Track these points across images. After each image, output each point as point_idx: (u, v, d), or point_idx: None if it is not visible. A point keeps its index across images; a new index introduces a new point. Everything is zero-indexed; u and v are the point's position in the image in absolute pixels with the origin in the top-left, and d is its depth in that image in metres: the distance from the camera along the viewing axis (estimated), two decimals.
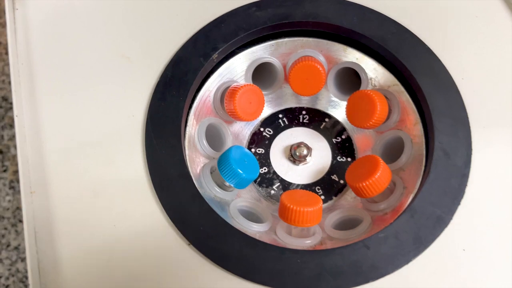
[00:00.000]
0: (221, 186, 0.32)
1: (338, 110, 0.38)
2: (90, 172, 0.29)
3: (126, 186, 0.29)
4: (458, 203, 0.28)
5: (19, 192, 0.69)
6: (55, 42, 0.34)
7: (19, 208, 0.67)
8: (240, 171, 0.31)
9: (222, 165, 0.31)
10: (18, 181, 0.69)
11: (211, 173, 0.32)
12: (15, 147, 0.71)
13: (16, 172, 0.71)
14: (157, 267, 0.27)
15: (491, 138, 0.30)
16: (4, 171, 0.69)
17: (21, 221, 0.66)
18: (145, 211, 0.28)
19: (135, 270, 0.27)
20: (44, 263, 0.27)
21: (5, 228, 0.65)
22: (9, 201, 0.67)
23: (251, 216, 0.32)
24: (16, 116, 0.30)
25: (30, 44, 0.34)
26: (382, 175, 0.30)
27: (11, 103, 0.55)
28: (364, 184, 0.30)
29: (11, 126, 0.77)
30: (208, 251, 0.27)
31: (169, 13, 0.34)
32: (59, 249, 0.27)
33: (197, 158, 0.32)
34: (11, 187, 0.68)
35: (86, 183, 0.29)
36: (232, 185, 0.31)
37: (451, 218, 0.28)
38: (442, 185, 0.29)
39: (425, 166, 0.31)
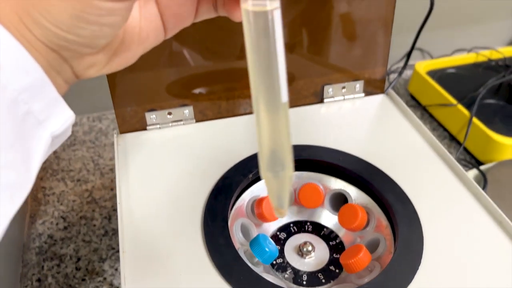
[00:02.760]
0: (251, 264, 0.45)
1: (332, 222, 0.53)
2: (163, 240, 0.43)
3: (189, 257, 0.42)
4: (415, 272, 0.41)
5: None
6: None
7: None
8: (267, 249, 0.44)
9: (254, 246, 0.45)
10: None
11: (243, 253, 0.45)
12: None
13: None
14: None
15: (436, 229, 0.45)
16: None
17: None
18: (202, 271, 0.41)
19: None
20: None
21: None
22: None
23: None
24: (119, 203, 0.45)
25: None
26: (364, 255, 0.44)
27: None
28: (352, 261, 0.43)
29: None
30: None
31: (222, 145, 0.53)
32: None
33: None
34: None
35: (159, 250, 0.42)
36: (260, 261, 0.44)
37: (411, 281, 0.41)
38: (404, 261, 0.42)
39: (393, 251, 0.45)
